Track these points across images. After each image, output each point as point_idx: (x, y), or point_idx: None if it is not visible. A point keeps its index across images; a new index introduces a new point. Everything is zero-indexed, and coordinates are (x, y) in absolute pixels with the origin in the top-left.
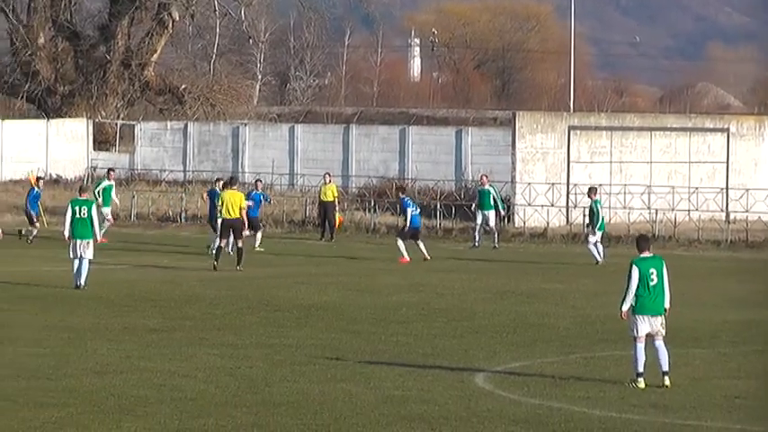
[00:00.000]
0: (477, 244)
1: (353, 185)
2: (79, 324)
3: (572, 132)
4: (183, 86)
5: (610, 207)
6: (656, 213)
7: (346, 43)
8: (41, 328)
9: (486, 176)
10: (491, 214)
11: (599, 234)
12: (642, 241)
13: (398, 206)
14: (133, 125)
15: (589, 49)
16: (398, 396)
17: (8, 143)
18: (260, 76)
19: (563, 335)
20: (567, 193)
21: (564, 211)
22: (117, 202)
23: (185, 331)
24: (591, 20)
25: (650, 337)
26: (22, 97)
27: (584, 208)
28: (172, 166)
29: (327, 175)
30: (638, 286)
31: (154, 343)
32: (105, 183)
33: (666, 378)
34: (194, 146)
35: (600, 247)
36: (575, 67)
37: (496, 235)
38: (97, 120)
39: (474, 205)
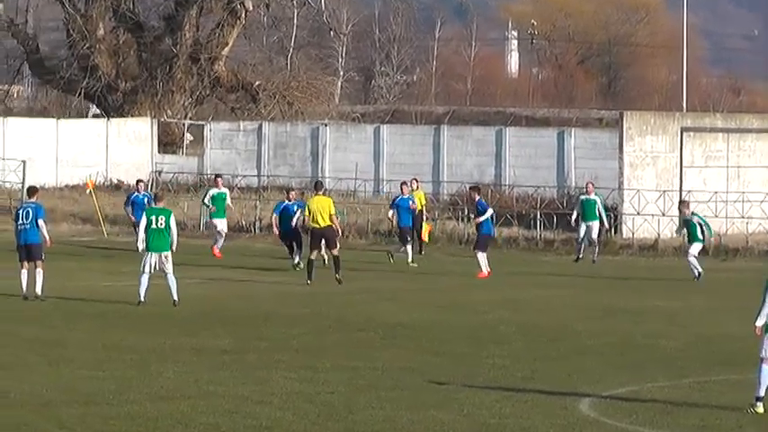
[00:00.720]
0: (580, 257)
1: (445, 192)
2: (142, 345)
3: (685, 134)
4: (258, 83)
5: (726, 216)
6: None
7: (437, 36)
8: (101, 348)
9: (593, 184)
10: (595, 225)
11: (697, 246)
12: None
13: (473, 208)
14: (202, 125)
15: (702, 42)
16: (495, 424)
17: (64, 145)
18: (342, 72)
19: (674, 357)
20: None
21: (676, 220)
22: (233, 208)
23: (260, 353)
24: (704, 11)
25: None
26: (80, 94)
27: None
28: (245, 170)
29: (414, 181)
30: None
31: (225, 365)
32: (214, 191)
33: None
34: (270, 148)
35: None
36: (687, 63)
37: (596, 248)
38: (162, 119)
39: (575, 215)
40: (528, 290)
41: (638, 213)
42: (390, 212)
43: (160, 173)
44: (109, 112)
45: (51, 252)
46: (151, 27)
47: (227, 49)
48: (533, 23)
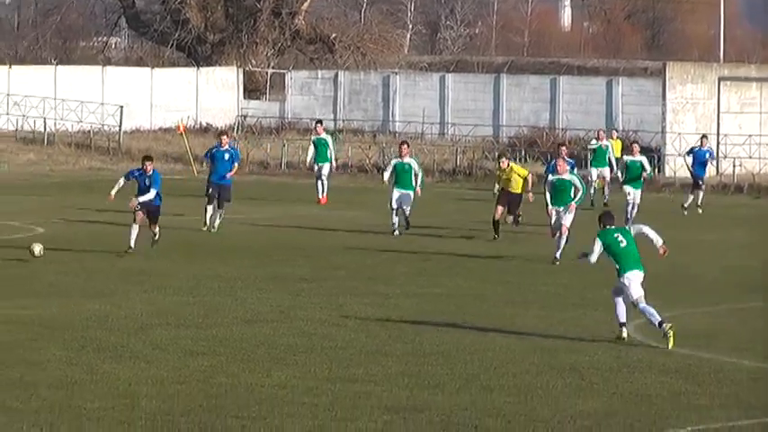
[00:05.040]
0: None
1: (504, 135)
2: (228, 273)
3: (722, 83)
4: (334, 35)
5: (760, 157)
6: None
7: None
8: (191, 276)
9: (604, 131)
10: (605, 171)
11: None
12: None
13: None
14: (283, 74)
15: None
16: (548, 346)
17: (158, 91)
18: (410, 26)
19: (712, 286)
20: (718, 144)
21: (714, 162)
22: (333, 154)
23: (336, 281)
24: None
25: None
26: (172, 45)
27: (734, 159)
28: (322, 114)
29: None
30: None
31: (304, 292)
32: (314, 136)
33: None
34: (345, 95)
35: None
36: (724, 18)
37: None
38: (247, 68)
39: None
40: (578, 225)
41: (679, 155)
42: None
43: (245, 117)
44: (198, 61)
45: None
46: None
47: (306, 4)
48: None
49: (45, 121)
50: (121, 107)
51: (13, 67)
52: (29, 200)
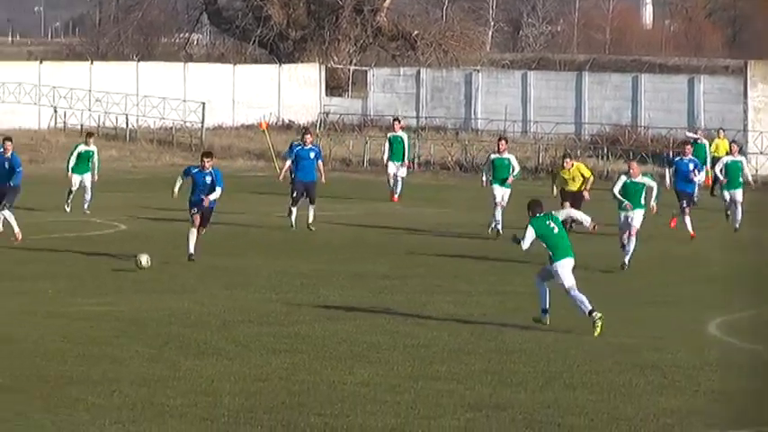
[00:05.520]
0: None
1: (586, 133)
2: (310, 270)
3: None
4: (416, 32)
5: None
6: None
7: None
8: (272, 273)
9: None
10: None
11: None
12: None
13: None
14: (365, 71)
15: None
16: (631, 344)
17: (240, 88)
18: (492, 23)
19: None
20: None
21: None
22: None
23: (418, 278)
24: None
25: None
26: (254, 42)
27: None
28: (405, 112)
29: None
30: None
31: (386, 289)
32: (391, 134)
33: None
34: (427, 92)
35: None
36: None
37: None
38: (329, 65)
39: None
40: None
41: (761, 152)
42: None
43: (327, 114)
44: (281, 58)
45: (228, 185)
46: None
47: (387, 1)
48: None
49: (127, 118)
50: (203, 104)
51: (94, 63)
52: (111, 196)
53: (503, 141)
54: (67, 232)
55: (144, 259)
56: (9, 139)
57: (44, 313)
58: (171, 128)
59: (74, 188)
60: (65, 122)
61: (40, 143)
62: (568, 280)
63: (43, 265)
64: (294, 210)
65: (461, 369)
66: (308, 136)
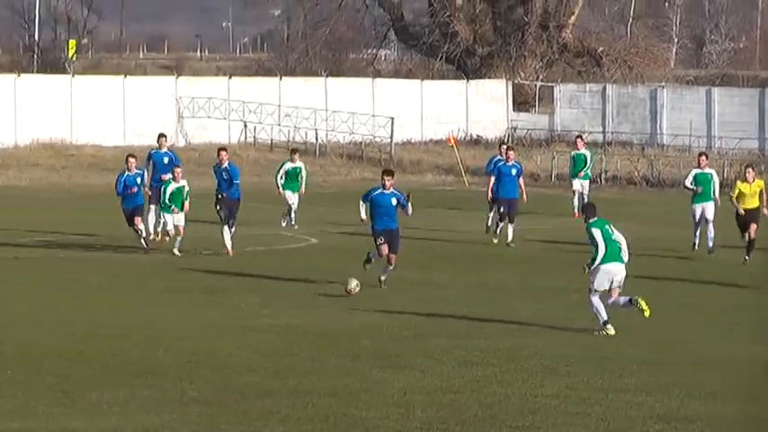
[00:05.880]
0: None
1: None
2: (501, 284)
3: None
4: (601, 49)
5: None
6: None
7: (760, 7)
8: (462, 287)
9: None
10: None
11: None
12: None
13: None
14: (552, 86)
15: None
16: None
17: (428, 103)
18: (676, 40)
19: None
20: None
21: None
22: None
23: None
24: None
25: None
26: (441, 58)
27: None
28: (591, 127)
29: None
30: None
31: (575, 304)
32: (574, 152)
33: None
34: (613, 108)
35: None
36: None
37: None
38: (516, 81)
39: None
40: None
41: None
42: None
43: (515, 129)
44: (467, 74)
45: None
46: None
47: (573, 17)
48: None
49: (317, 132)
50: (392, 119)
51: (283, 78)
52: (302, 210)
53: (703, 157)
54: (259, 246)
55: (353, 284)
56: (224, 149)
57: (236, 327)
58: (360, 143)
59: (292, 203)
60: (254, 137)
61: (230, 158)
62: (601, 284)
63: (234, 278)
64: (502, 224)
65: (650, 381)
66: (511, 152)
